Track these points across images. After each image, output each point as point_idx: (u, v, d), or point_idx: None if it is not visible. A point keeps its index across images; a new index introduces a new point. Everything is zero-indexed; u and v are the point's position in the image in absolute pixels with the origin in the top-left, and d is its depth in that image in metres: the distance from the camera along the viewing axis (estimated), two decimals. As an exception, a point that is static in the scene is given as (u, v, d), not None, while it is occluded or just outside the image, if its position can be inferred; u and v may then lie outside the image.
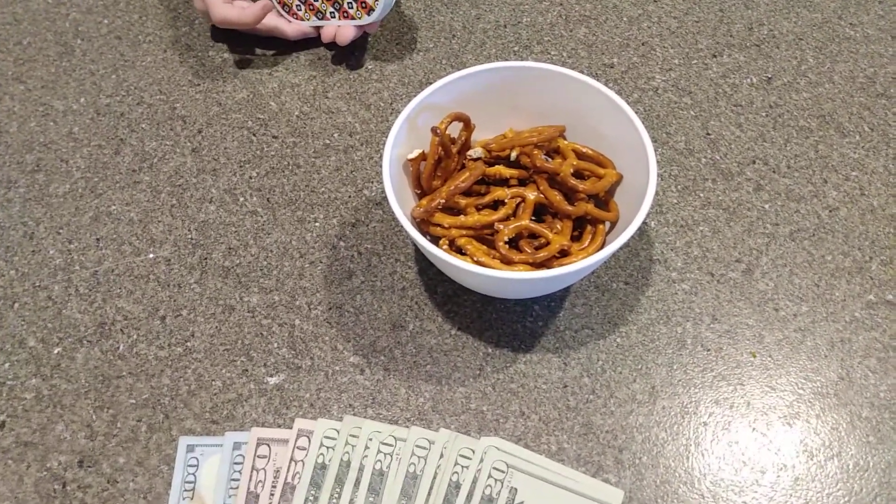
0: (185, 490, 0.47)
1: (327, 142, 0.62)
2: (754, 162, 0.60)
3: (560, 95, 0.52)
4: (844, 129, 0.61)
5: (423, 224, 0.50)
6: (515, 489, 0.45)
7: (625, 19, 0.69)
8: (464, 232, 0.49)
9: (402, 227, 0.56)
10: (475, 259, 0.47)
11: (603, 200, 0.52)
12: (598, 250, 0.48)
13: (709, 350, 0.51)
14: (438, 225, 0.49)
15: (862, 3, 0.70)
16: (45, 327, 0.53)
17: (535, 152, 0.51)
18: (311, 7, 0.64)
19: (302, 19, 0.66)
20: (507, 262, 0.47)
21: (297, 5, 0.65)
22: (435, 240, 0.50)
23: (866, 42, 0.67)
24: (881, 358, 0.50)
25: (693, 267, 0.54)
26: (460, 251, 0.49)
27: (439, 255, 0.44)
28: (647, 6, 0.70)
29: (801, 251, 0.55)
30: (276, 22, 0.66)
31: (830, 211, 0.57)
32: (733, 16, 0.69)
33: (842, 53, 0.66)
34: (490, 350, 0.51)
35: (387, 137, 0.61)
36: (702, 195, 0.58)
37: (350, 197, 0.59)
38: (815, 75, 0.65)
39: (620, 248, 0.55)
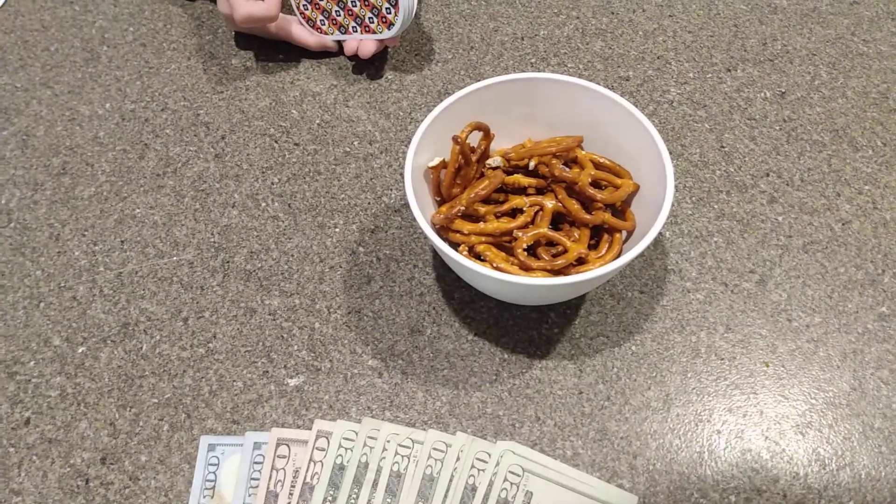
0: (206, 488, 0.48)
1: (347, 150, 0.63)
2: (768, 175, 0.61)
3: (578, 107, 0.53)
4: (857, 143, 0.62)
5: (442, 230, 0.51)
6: (531, 493, 0.46)
7: (640, 33, 0.70)
8: (483, 238, 0.50)
9: (422, 232, 0.57)
10: (494, 265, 0.48)
11: (620, 210, 0.53)
12: (615, 259, 0.49)
13: (722, 359, 0.52)
14: (458, 231, 0.50)
15: (875, 20, 0.71)
16: (69, 327, 0.54)
17: (554, 162, 0.52)
18: (335, 22, 0.66)
19: (325, 33, 0.67)
20: (526, 269, 0.48)
21: (320, 20, 0.66)
22: (454, 246, 0.51)
23: (879, 58, 0.68)
24: (893, 369, 0.51)
25: (707, 277, 0.55)
26: (479, 257, 0.50)
27: (459, 260, 0.45)
28: (662, 21, 0.71)
29: (814, 263, 0.56)
30: (298, 29, 0.67)
31: (843, 224, 0.58)
32: (747, 31, 0.70)
33: (855, 69, 0.67)
34: (506, 356, 0.52)
35: (407, 146, 0.63)
36: (716, 207, 0.59)
37: (369, 204, 0.60)
38: (829, 90, 0.66)
39: (636, 258, 0.56)
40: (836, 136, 0.63)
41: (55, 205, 0.61)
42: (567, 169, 0.52)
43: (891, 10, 0.71)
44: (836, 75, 0.67)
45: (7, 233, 0.59)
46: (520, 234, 0.49)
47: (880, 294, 0.54)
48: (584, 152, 0.54)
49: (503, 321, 0.54)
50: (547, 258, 0.49)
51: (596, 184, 0.52)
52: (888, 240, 0.57)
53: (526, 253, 0.49)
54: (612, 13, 0.72)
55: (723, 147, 0.62)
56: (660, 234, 0.57)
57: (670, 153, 0.62)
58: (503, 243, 0.51)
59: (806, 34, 0.70)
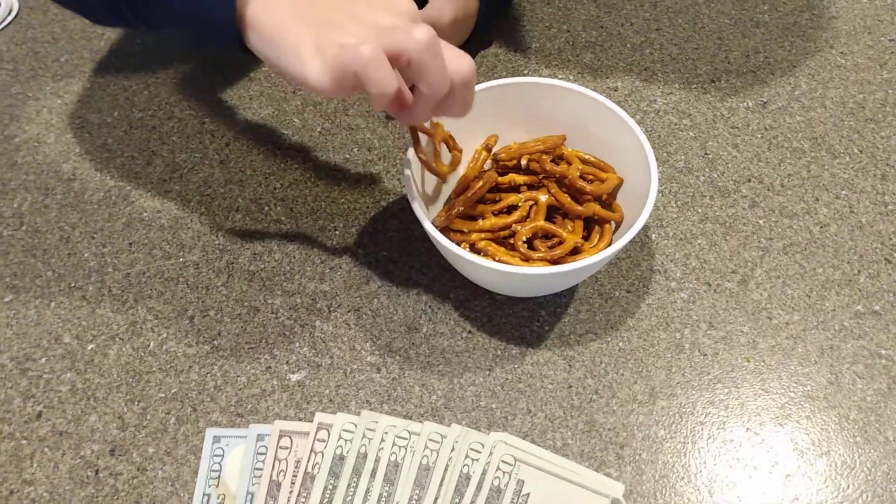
0: (211, 478, 0.50)
1: (347, 156, 0.66)
2: (750, 180, 0.63)
3: (565, 109, 0.56)
4: (835, 150, 0.65)
5: (444, 231, 0.54)
6: (522, 481, 0.48)
7: (628, 46, 0.73)
8: (483, 235, 0.52)
9: (422, 234, 0.60)
10: (497, 258, 0.50)
11: (607, 203, 0.56)
12: (608, 247, 0.52)
13: (706, 355, 0.54)
14: (458, 231, 0.53)
15: (852, 34, 0.74)
16: (79, 325, 0.56)
17: (544, 157, 0.55)
18: None
19: None
20: (527, 260, 0.51)
21: None
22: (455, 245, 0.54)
23: (856, 70, 0.71)
24: (868, 364, 0.53)
25: (691, 277, 0.58)
26: (479, 254, 0.52)
27: (463, 255, 0.47)
28: (649, 34, 0.74)
29: (793, 264, 0.58)
30: None
31: (821, 227, 0.60)
32: (731, 44, 0.73)
33: (833, 80, 0.70)
34: (499, 352, 0.54)
35: (404, 153, 0.65)
36: (700, 210, 0.61)
37: (368, 207, 0.62)
38: (808, 100, 0.69)
39: (625, 249, 0.58)
40: (814, 144, 0.65)
41: (65, 208, 0.63)
42: (556, 165, 0.55)
43: (867, 25, 0.74)
44: (815, 86, 0.70)
45: (19, 235, 0.61)
46: (519, 227, 0.52)
47: (856, 293, 0.57)
48: (569, 149, 0.57)
49: (496, 319, 0.56)
50: (545, 249, 0.52)
51: (583, 178, 0.55)
52: (864, 242, 0.59)
53: (526, 245, 0.52)
54: (602, 27, 0.75)
55: (707, 154, 0.65)
56: (646, 236, 0.60)
57: (656, 160, 0.65)
58: (501, 238, 0.53)
59: (787, 47, 0.73)
